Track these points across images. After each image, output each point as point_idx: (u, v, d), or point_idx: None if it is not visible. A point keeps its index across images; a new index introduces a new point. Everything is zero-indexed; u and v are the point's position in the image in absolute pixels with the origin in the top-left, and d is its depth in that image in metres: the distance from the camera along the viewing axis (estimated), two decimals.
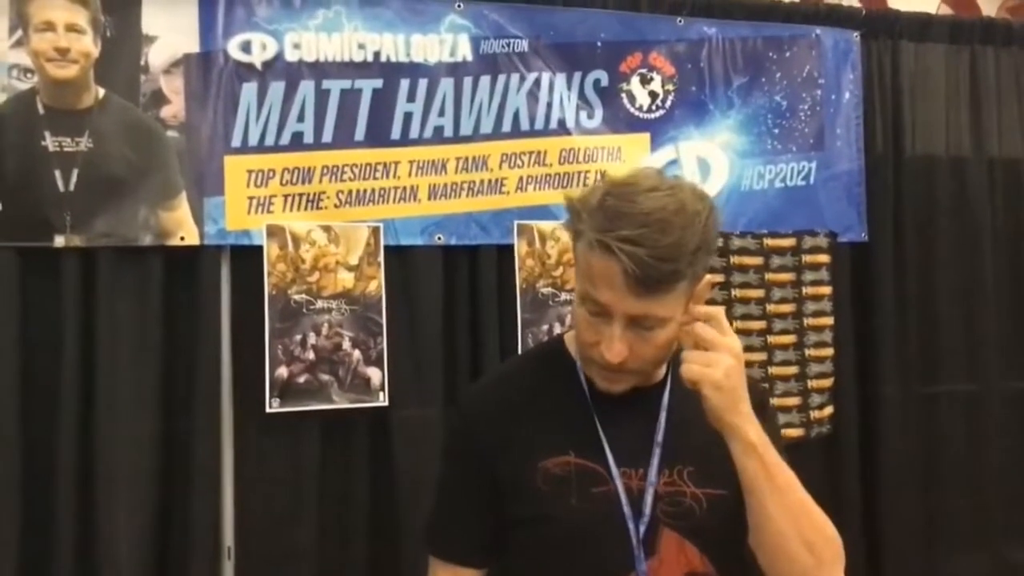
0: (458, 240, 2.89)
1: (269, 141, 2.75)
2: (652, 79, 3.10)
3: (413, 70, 2.88)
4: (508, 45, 2.97)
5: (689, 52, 3.15)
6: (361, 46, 2.84)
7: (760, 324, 3.17)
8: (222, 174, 2.70)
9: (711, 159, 3.13)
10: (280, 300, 2.70)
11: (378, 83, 2.85)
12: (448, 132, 2.90)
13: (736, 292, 3.14)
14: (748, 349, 3.14)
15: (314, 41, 2.80)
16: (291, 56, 2.78)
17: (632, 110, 3.08)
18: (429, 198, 2.87)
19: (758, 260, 3.17)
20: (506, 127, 2.96)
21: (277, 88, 2.76)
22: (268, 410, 2.65)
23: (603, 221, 1.22)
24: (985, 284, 3.40)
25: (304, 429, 2.70)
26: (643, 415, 1.39)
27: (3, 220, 2.52)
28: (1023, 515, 3.38)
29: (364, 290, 2.77)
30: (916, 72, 3.39)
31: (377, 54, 2.85)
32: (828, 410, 3.20)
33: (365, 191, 2.82)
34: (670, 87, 3.12)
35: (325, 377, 2.71)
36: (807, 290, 3.21)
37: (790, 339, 3.19)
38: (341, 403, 2.72)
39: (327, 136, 2.79)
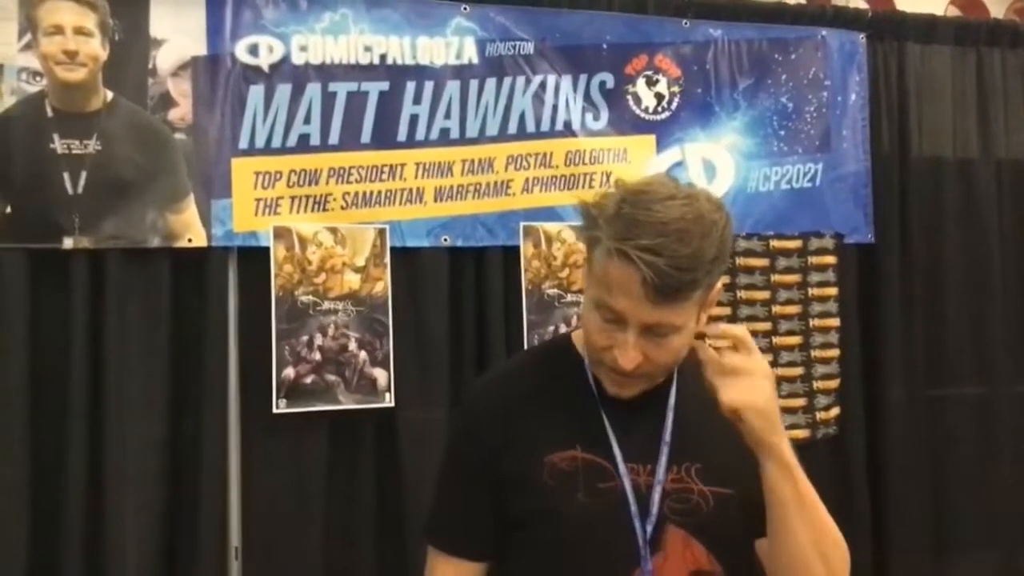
0: (464, 242, 2.90)
1: (276, 143, 2.76)
2: (658, 81, 3.11)
3: (419, 72, 2.89)
4: (514, 47, 2.98)
5: (695, 54, 3.16)
6: (367, 48, 2.86)
7: (766, 325, 3.17)
8: (229, 176, 2.72)
9: (717, 161, 3.14)
10: (287, 301, 2.71)
11: (384, 85, 2.86)
12: (454, 134, 2.91)
13: (742, 293, 3.14)
14: None
15: (321, 44, 2.82)
16: (298, 59, 2.79)
17: (638, 112, 3.09)
18: (435, 200, 2.88)
19: (764, 262, 3.17)
20: (512, 129, 2.97)
21: (284, 90, 2.77)
22: (275, 411, 2.67)
23: (621, 229, 1.22)
24: (992, 286, 3.39)
25: (310, 430, 2.72)
26: (650, 413, 1.39)
27: (12, 222, 2.54)
28: None
29: (370, 291, 2.78)
30: (922, 74, 3.38)
31: (383, 56, 2.86)
32: (834, 411, 3.20)
33: (371, 193, 2.83)
34: (676, 89, 3.13)
35: (331, 378, 2.72)
36: (813, 291, 3.21)
37: (796, 340, 3.19)
38: (347, 404, 2.73)
39: (334, 138, 2.81)
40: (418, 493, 2.72)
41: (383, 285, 2.79)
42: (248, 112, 2.74)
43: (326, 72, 2.81)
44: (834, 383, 3.20)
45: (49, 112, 2.58)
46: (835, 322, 3.22)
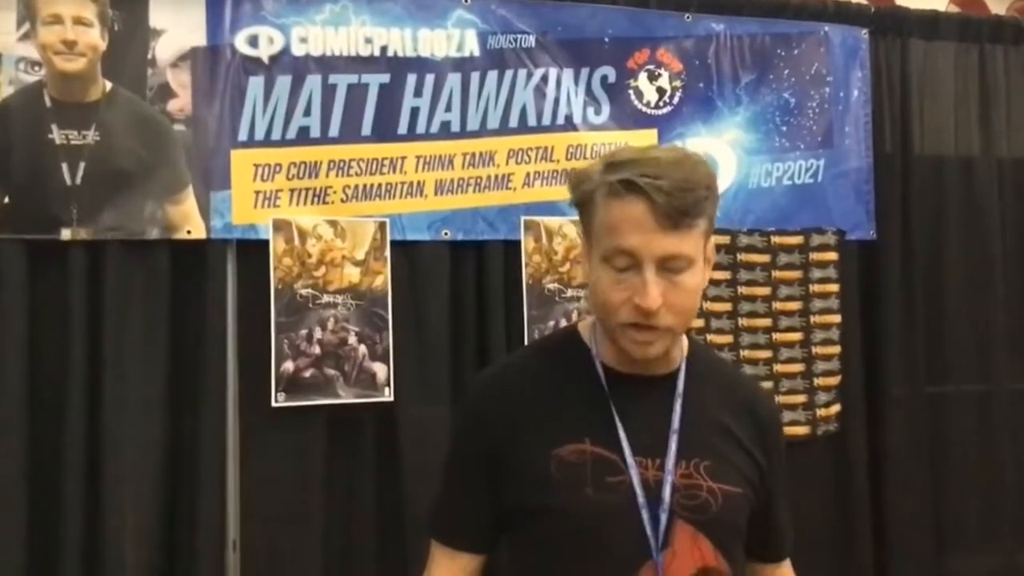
0: (465, 236, 2.89)
1: (276, 135, 2.75)
2: (660, 75, 3.10)
3: (420, 65, 2.88)
4: (515, 40, 2.96)
5: (697, 48, 3.14)
6: (368, 40, 2.84)
7: (766, 322, 3.16)
8: (228, 168, 2.71)
9: (719, 156, 3.12)
10: (286, 294, 2.69)
11: (385, 78, 2.85)
12: (455, 127, 2.90)
13: (743, 289, 3.13)
14: (754, 347, 3.14)
15: (321, 35, 2.80)
16: (298, 50, 2.78)
17: (639, 106, 3.07)
18: (436, 193, 2.87)
19: (765, 258, 3.16)
20: (513, 123, 2.95)
21: (284, 82, 2.76)
22: (274, 404, 2.65)
23: (618, 168, 1.27)
24: (993, 283, 3.38)
25: (310, 423, 2.70)
26: (658, 403, 1.37)
27: (10, 213, 2.52)
28: None
29: (370, 285, 2.77)
30: (925, 70, 3.37)
31: (384, 49, 2.85)
32: (835, 408, 3.19)
33: (372, 186, 2.82)
34: (678, 83, 3.11)
35: (331, 372, 2.71)
36: (814, 288, 3.19)
37: (797, 337, 3.18)
38: (347, 398, 2.72)
39: (334, 131, 2.79)
40: (417, 487, 2.71)
41: (383, 279, 2.78)
42: (248, 104, 2.73)
43: (326, 64, 2.80)
44: (835, 380, 3.19)
45: (48, 102, 2.57)
46: (836, 319, 3.21)
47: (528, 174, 2.96)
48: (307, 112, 2.77)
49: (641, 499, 1.31)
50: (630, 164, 1.26)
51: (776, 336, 3.17)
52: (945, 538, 3.29)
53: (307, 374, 2.69)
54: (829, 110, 3.25)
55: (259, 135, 2.73)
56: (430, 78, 2.88)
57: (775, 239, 3.17)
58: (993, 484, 3.32)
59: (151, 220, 2.63)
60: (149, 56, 2.66)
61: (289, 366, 2.68)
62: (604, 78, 3.04)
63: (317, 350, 2.70)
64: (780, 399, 3.10)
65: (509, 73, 2.95)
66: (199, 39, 2.69)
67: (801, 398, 3.16)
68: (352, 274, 2.76)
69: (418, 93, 2.87)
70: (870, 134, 3.29)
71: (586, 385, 1.38)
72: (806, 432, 3.14)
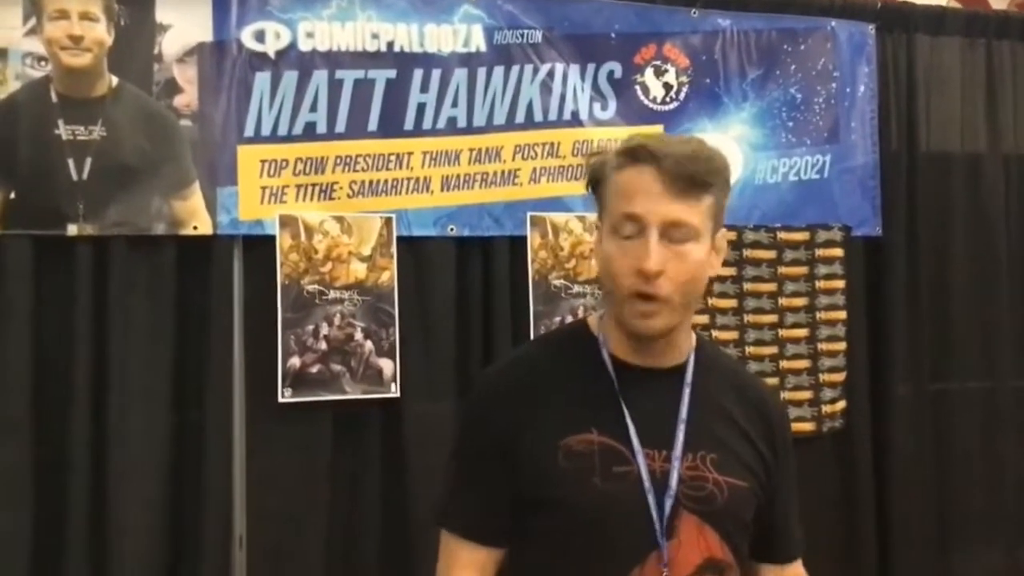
0: (471, 231, 2.88)
1: (282, 131, 2.74)
2: (666, 71, 3.09)
3: (427, 60, 2.87)
4: (522, 36, 2.95)
5: (703, 44, 3.14)
6: (374, 36, 2.83)
7: (772, 318, 3.16)
8: (235, 164, 2.70)
9: (725, 152, 3.10)
10: (292, 290, 2.69)
11: (391, 73, 2.84)
12: (461, 123, 2.89)
13: (748, 286, 3.13)
14: (759, 343, 3.14)
15: (327, 30, 2.79)
16: (304, 45, 2.77)
17: (646, 102, 3.07)
18: (442, 189, 2.87)
19: (771, 254, 3.16)
20: (519, 118, 2.95)
21: (290, 78, 2.75)
22: (280, 400, 2.66)
23: (630, 144, 1.32)
24: (999, 280, 3.38)
25: (316, 419, 2.70)
26: (666, 395, 1.38)
27: (16, 208, 2.52)
28: None
29: (376, 281, 2.77)
30: (931, 66, 3.37)
31: (391, 44, 2.84)
32: (840, 404, 3.19)
33: (378, 182, 2.81)
34: (684, 79, 3.11)
35: (337, 367, 2.71)
36: (820, 284, 3.19)
37: (802, 332, 3.18)
38: (353, 394, 2.72)
39: (340, 126, 2.79)
40: (423, 483, 2.71)
41: (389, 275, 2.78)
42: (254, 99, 2.72)
43: (333, 59, 2.79)
44: (840, 376, 3.19)
45: (54, 97, 2.56)
46: (842, 315, 3.21)
47: (534, 170, 2.95)
48: (313, 108, 2.77)
49: (648, 489, 1.32)
50: (641, 143, 1.32)
51: (782, 332, 3.17)
52: (949, 534, 3.29)
53: (314, 370, 2.69)
54: (835, 106, 3.25)
55: (265, 131, 2.73)
56: (436, 73, 2.87)
57: (781, 235, 3.17)
58: (997, 481, 3.32)
59: (157, 216, 2.62)
60: (155, 51, 2.65)
61: (296, 362, 2.68)
62: (611, 74, 3.04)
63: (323, 346, 2.70)
64: (786, 395, 3.09)
65: (515, 69, 2.94)
66: (205, 34, 2.69)
67: (807, 394, 3.16)
68: (358, 270, 2.76)
69: (424, 89, 2.86)
70: (876, 130, 3.29)
71: (594, 376, 1.38)
72: (811, 428, 3.15)
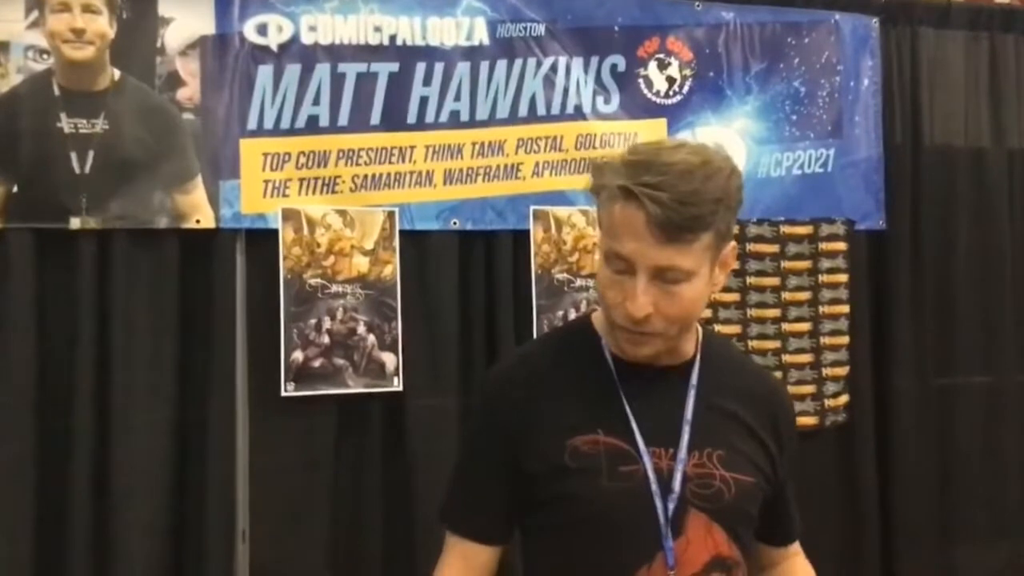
0: (474, 225, 2.88)
1: (285, 124, 2.74)
2: (670, 64, 3.08)
3: (429, 54, 2.86)
4: (525, 29, 2.95)
5: (707, 37, 3.13)
6: (377, 29, 2.83)
7: (775, 312, 3.16)
8: (238, 157, 2.70)
9: (728, 146, 3.10)
10: (295, 284, 2.69)
11: (394, 67, 2.83)
12: (464, 116, 2.89)
13: (751, 279, 3.12)
14: (762, 337, 3.13)
15: (330, 24, 2.79)
16: (307, 39, 2.76)
17: (649, 95, 3.06)
18: (445, 183, 2.86)
19: (774, 248, 3.15)
20: (522, 112, 2.94)
21: (293, 71, 2.75)
22: (283, 394, 2.65)
23: (627, 172, 1.24)
24: (1003, 275, 3.38)
25: (319, 413, 2.70)
26: (671, 393, 1.37)
27: (19, 202, 2.51)
28: None
29: (379, 275, 2.76)
30: (935, 59, 3.36)
31: (393, 37, 2.83)
32: (843, 399, 3.19)
33: (381, 175, 2.81)
34: (688, 72, 3.10)
35: (340, 361, 2.71)
36: (823, 278, 3.19)
37: (805, 327, 3.17)
38: (356, 388, 2.72)
39: (343, 120, 2.78)
40: (425, 477, 2.72)
41: (392, 268, 2.78)
42: (257, 92, 2.72)
43: (335, 53, 2.78)
44: (843, 370, 3.19)
45: (56, 91, 2.56)
46: (845, 309, 3.21)
47: (537, 163, 2.95)
48: (316, 101, 2.76)
49: (655, 488, 1.31)
50: (640, 167, 1.24)
51: (785, 326, 3.16)
52: (952, 528, 3.29)
53: (316, 364, 2.69)
54: (839, 99, 3.24)
55: (268, 124, 2.72)
56: (439, 67, 2.86)
57: (784, 229, 3.16)
58: (1000, 475, 3.32)
59: (160, 209, 2.62)
60: (158, 44, 2.65)
61: (298, 356, 2.67)
62: (614, 67, 3.03)
63: (326, 340, 2.70)
64: (789, 389, 3.08)
65: (519, 62, 2.93)
66: (208, 27, 2.68)
67: (809, 388, 3.16)
68: (361, 264, 2.75)
69: (427, 82, 2.85)
70: (880, 124, 3.28)
71: (598, 376, 1.38)
72: (814, 422, 3.14)
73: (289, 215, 2.71)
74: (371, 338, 2.74)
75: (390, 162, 2.82)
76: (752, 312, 3.13)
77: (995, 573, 3.32)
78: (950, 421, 3.33)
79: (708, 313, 3.04)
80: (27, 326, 2.51)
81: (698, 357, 1.41)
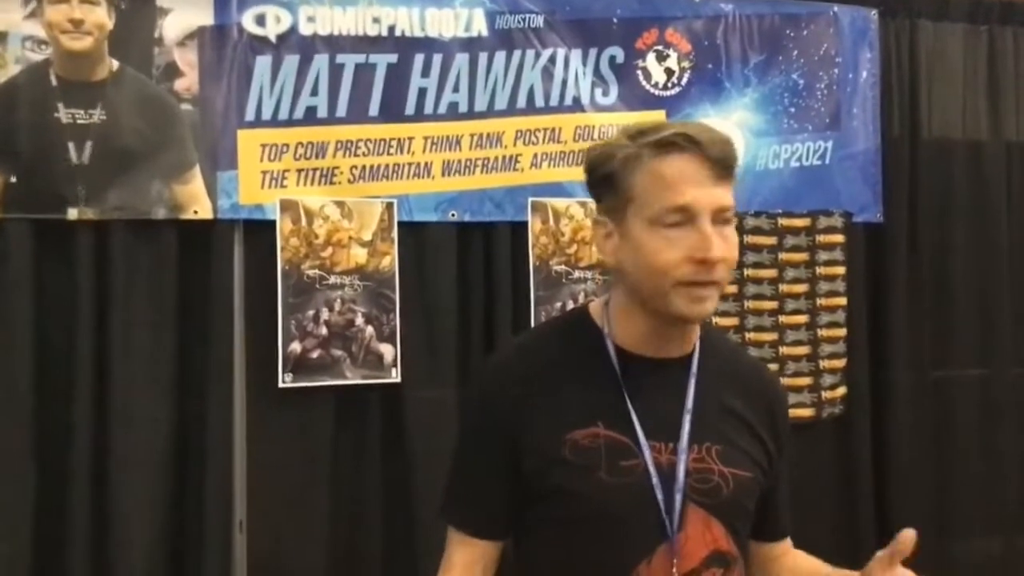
0: (472, 217, 2.88)
1: (283, 115, 2.74)
2: (668, 56, 3.08)
3: (428, 45, 2.86)
4: (524, 20, 2.94)
5: (706, 29, 3.12)
6: (376, 20, 2.82)
7: (772, 304, 3.16)
8: (236, 148, 2.70)
9: None
10: (293, 275, 2.69)
11: (392, 58, 2.83)
12: (463, 108, 2.88)
13: (749, 271, 3.12)
14: (759, 329, 3.14)
15: (328, 15, 2.78)
16: (305, 29, 2.76)
17: (648, 87, 3.06)
18: (443, 174, 2.86)
19: (772, 240, 3.15)
20: (521, 103, 2.94)
21: (291, 62, 2.74)
22: (281, 385, 2.66)
23: (651, 133, 1.29)
24: (1000, 267, 3.38)
25: (316, 404, 2.71)
26: (672, 386, 1.37)
27: (17, 192, 2.51)
28: None
29: (377, 266, 2.76)
30: (934, 52, 3.35)
31: (392, 28, 2.83)
32: (840, 391, 3.19)
33: (379, 166, 2.81)
34: (686, 64, 3.10)
35: (338, 353, 2.71)
36: (821, 270, 3.19)
37: (802, 319, 3.18)
38: (354, 379, 2.72)
39: (341, 111, 2.78)
40: (424, 468, 2.72)
41: (390, 260, 2.78)
42: (255, 83, 2.71)
43: (334, 43, 2.78)
44: (840, 362, 3.20)
45: (54, 81, 2.55)
46: (842, 301, 3.21)
47: (536, 155, 2.94)
48: (314, 92, 2.76)
49: (655, 483, 1.31)
50: (661, 128, 1.30)
51: (782, 319, 3.17)
52: (948, 521, 3.29)
53: (314, 355, 2.69)
54: (837, 92, 3.24)
55: (266, 115, 2.72)
56: (438, 58, 2.86)
57: (782, 221, 3.17)
58: (996, 468, 3.33)
59: (158, 200, 2.62)
60: (156, 35, 2.64)
61: (296, 347, 2.68)
62: (612, 59, 3.02)
63: (324, 331, 2.70)
64: (785, 381, 3.09)
65: (517, 54, 2.93)
66: (206, 18, 2.68)
67: (806, 380, 3.16)
68: (359, 255, 2.75)
69: (426, 73, 2.85)
70: (878, 116, 3.28)
71: (598, 367, 1.36)
72: (811, 414, 3.15)
73: (287, 206, 2.71)
74: (369, 329, 2.74)
75: (388, 153, 2.82)
76: (749, 304, 3.14)
77: (991, 565, 3.33)
78: (946, 413, 3.33)
79: None
80: (25, 316, 2.51)
81: (698, 348, 1.40)
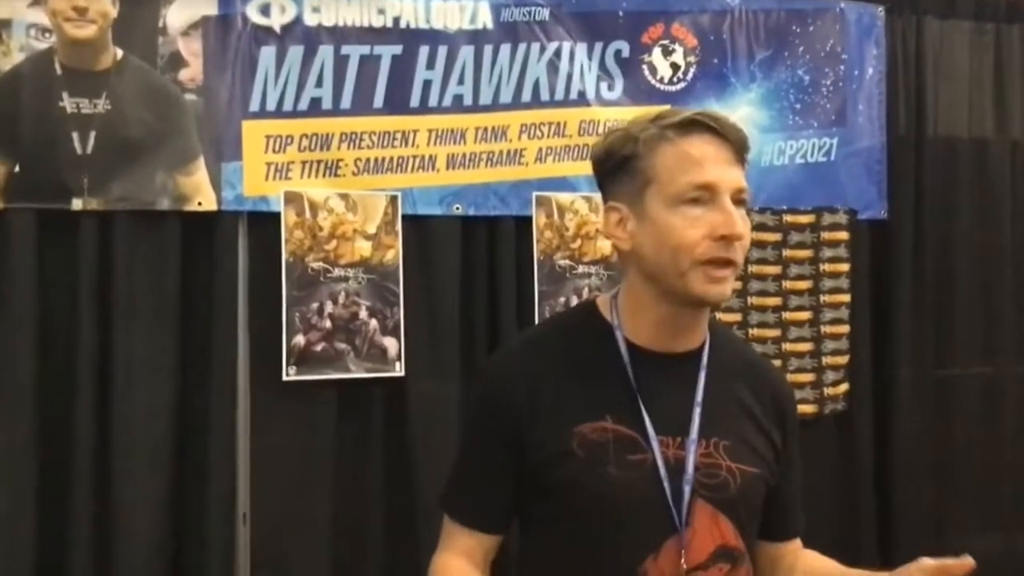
0: (476, 210, 2.87)
1: (287, 106, 2.72)
2: (674, 50, 3.07)
3: (433, 37, 2.84)
4: (529, 13, 2.93)
5: (712, 24, 3.11)
6: (380, 11, 2.81)
7: (776, 300, 3.15)
8: (240, 139, 2.68)
9: None
10: (297, 268, 2.68)
11: (397, 49, 2.81)
12: (467, 101, 2.87)
13: (753, 268, 3.12)
14: (763, 325, 3.13)
15: (333, 5, 2.77)
16: (310, 20, 2.75)
17: (653, 82, 3.05)
18: (447, 167, 2.85)
19: (776, 236, 3.15)
20: (526, 97, 2.93)
21: (296, 52, 2.73)
22: (284, 378, 2.65)
23: (669, 116, 1.32)
24: (1003, 266, 3.38)
25: (320, 398, 2.70)
26: (680, 380, 1.36)
27: (20, 182, 2.50)
28: None
29: (381, 259, 2.75)
30: (940, 49, 3.34)
31: (396, 20, 2.82)
32: (843, 387, 3.19)
33: (383, 159, 2.80)
34: (692, 59, 3.09)
35: (342, 346, 2.70)
36: (825, 267, 3.19)
37: (806, 315, 3.17)
38: (357, 372, 2.71)
39: (346, 102, 2.77)
40: (426, 461, 2.72)
41: (394, 253, 2.77)
42: (259, 74, 2.70)
43: (339, 34, 2.77)
44: (843, 359, 3.19)
45: (58, 70, 2.54)
46: (846, 298, 3.20)
47: (540, 149, 2.93)
48: (319, 83, 2.75)
49: (664, 477, 1.31)
50: (679, 111, 1.33)
51: (785, 315, 3.16)
52: (950, 518, 3.29)
53: (318, 348, 2.68)
54: (843, 88, 3.23)
55: (271, 106, 2.71)
56: (443, 50, 2.85)
57: (786, 218, 3.16)
58: (998, 466, 3.33)
59: (162, 191, 2.61)
60: (160, 24, 2.63)
61: (300, 340, 2.67)
62: (618, 53, 3.01)
63: (328, 324, 2.69)
64: (788, 378, 3.07)
65: (522, 47, 2.92)
66: (210, 7, 2.66)
67: (809, 377, 3.16)
68: (363, 248, 2.74)
69: (431, 66, 2.84)
70: (884, 113, 3.27)
71: (607, 361, 1.36)
72: (813, 411, 3.15)
73: (291, 198, 2.69)
74: (373, 323, 2.73)
75: (393, 146, 2.80)
76: (753, 300, 3.13)
77: (992, 563, 3.32)
78: (948, 411, 3.33)
79: None
80: (28, 307, 2.50)
81: (707, 343, 1.40)
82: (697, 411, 1.35)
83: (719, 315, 3.05)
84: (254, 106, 2.69)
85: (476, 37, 2.88)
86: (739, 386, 1.41)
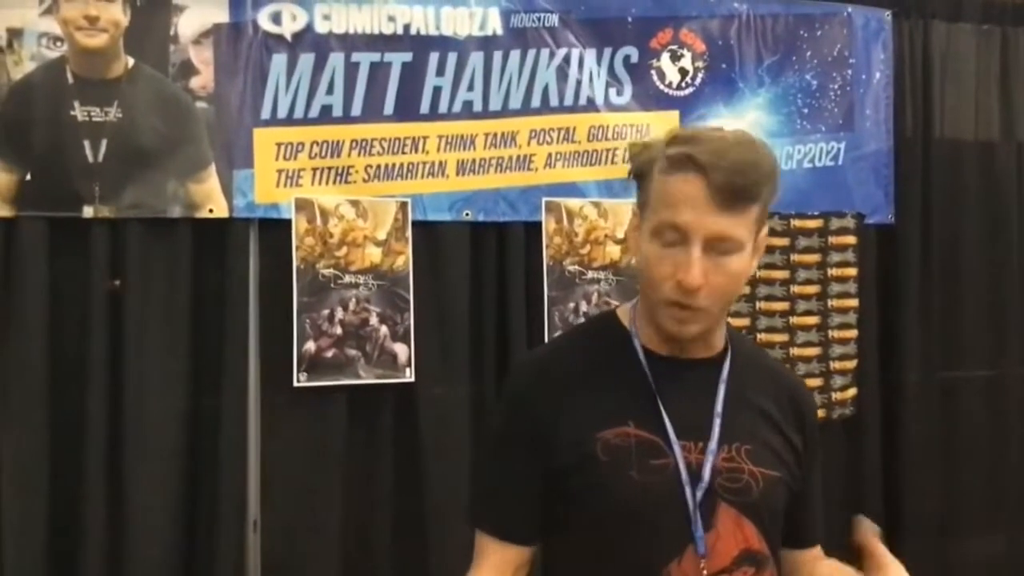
0: (486, 216, 2.88)
1: (298, 114, 2.73)
2: (682, 56, 3.07)
3: (443, 44, 2.85)
4: (539, 19, 2.93)
5: (720, 29, 3.12)
6: (391, 19, 2.81)
7: (784, 305, 3.16)
8: (251, 146, 2.69)
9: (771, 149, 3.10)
10: (308, 274, 2.69)
11: (408, 56, 2.82)
12: (477, 107, 2.88)
13: (760, 273, 3.11)
14: (771, 330, 3.14)
15: (344, 13, 2.77)
16: (321, 28, 2.75)
17: (662, 87, 3.05)
18: (457, 174, 2.86)
19: (784, 241, 3.15)
20: (535, 103, 2.93)
21: (307, 60, 2.73)
22: (295, 384, 2.66)
23: (681, 143, 1.27)
24: (1011, 270, 3.38)
25: (331, 404, 2.71)
26: (701, 387, 1.37)
27: (32, 190, 2.51)
28: None
29: (392, 265, 2.76)
30: (947, 53, 3.35)
31: (407, 27, 2.82)
32: (851, 392, 3.19)
33: (393, 166, 2.80)
34: (700, 64, 3.09)
35: (352, 352, 2.71)
36: (833, 271, 3.19)
37: (814, 320, 3.18)
38: (368, 378, 2.72)
39: (356, 110, 2.77)
40: (437, 467, 2.74)
41: (404, 259, 2.77)
42: (270, 81, 2.71)
43: (349, 42, 2.77)
44: (851, 364, 3.20)
45: (70, 78, 2.55)
46: (854, 302, 3.21)
47: (550, 155, 2.94)
48: (330, 90, 2.75)
49: (686, 481, 1.31)
50: (693, 140, 1.27)
51: (793, 320, 3.17)
52: (958, 522, 3.30)
53: (329, 354, 2.69)
54: (850, 92, 3.23)
55: (282, 113, 2.72)
56: (453, 57, 2.85)
57: (794, 222, 3.17)
58: (1006, 470, 3.34)
59: (173, 198, 2.61)
60: (171, 32, 2.63)
61: (311, 346, 2.67)
62: (627, 58, 3.02)
63: (339, 330, 2.70)
64: None
65: (532, 53, 2.92)
66: (222, 15, 2.67)
67: (817, 381, 3.16)
68: (374, 254, 2.75)
69: (440, 72, 2.84)
70: (891, 117, 3.27)
71: (627, 368, 1.37)
72: (822, 415, 3.14)
73: (302, 205, 2.70)
74: (383, 329, 2.74)
75: (403, 152, 2.81)
76: (761, 305, 3.14)
77: (1001, 566, 3.34)
78: (956, 415, 3.34)
79: None
80: (40, 314, 2.50)
81: (728, 351, 1.41)
82: (717, 419, 1.36)
83: (727, 319, 3.05)
84: (265, 114, 2.70)
85: (486, 44, 2.89)
86: (759, 390, 1.42)
